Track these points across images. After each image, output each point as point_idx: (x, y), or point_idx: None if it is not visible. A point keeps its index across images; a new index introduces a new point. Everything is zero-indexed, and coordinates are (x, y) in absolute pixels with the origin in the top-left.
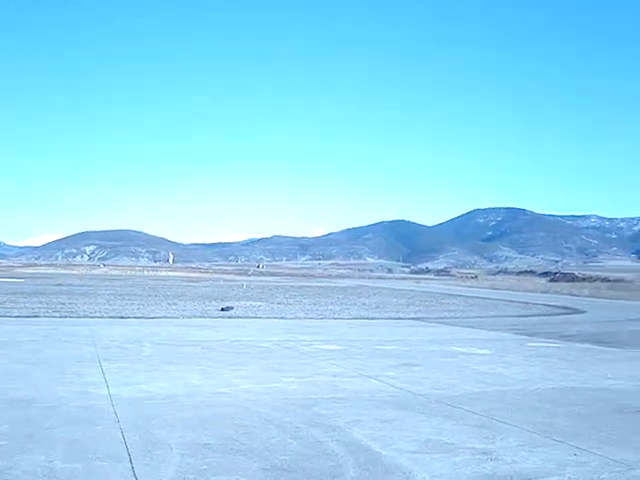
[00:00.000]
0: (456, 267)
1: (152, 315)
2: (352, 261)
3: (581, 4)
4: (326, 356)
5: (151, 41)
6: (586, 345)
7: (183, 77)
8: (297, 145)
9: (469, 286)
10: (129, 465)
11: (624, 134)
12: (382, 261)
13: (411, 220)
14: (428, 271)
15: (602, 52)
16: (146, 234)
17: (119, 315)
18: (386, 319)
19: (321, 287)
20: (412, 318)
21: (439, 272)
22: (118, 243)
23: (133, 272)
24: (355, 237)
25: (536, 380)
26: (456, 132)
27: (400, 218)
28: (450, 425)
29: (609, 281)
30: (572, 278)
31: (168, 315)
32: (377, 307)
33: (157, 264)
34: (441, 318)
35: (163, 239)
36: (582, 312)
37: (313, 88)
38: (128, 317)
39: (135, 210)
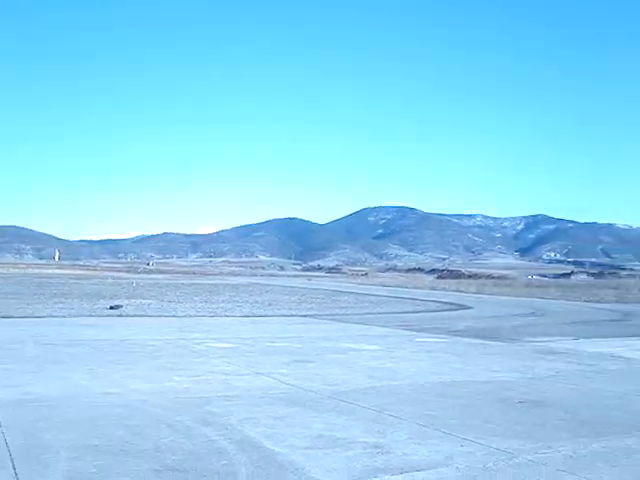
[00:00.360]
0: (347, 265)
1: (37, 314)
2: (244, 259)
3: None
4: (218, 354)
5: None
6: (472, 340)
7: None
8: (188, 142)
9: (360, 283)
10: (12, 472)
11: (508, 137)
12: (274, 259)
13: (303, 218)
14: (320, 269)
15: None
16: (31, 230)
17: (2, 315)
18: (278, 316)
19: (213, 285)
20: (304, 315)
21: (330, 270)
22: (1, 239)
23: (17, 270)
24: (247, 235)
25: (425, 374)
26: (348, 130)
27: (292, 216)
28: (342, 420)
29: (494, 278)
30: (459, 275)
31: (54, 314)
32: (269, 305)
33: (43, 261)
34: (333, 315)
35: (50, 236)
36: (469, 308)
37: (202, 88)
38: (11, 316)
39: (20, 205)
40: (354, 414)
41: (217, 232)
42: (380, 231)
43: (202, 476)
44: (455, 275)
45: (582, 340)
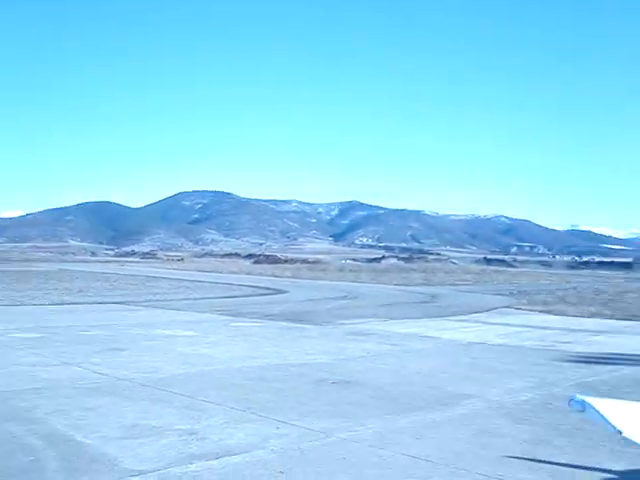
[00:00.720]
0: (162, 250)
1: None
2: (53, 244)
3: None
4: (24, 345)
5: None
6: (287, 323)
7: None
8: None
9: (175, 269)
10: None
11: (323, 124)
12: (86, 244)
13: (116, 202)
14: (134, 254)
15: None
16: None
17: None
18: (90, 304)
19: (19, 272)
20: (117, 302)
21: (145, 255)
22: None
23: None
24: (56, 219)
25: (240, 359)
26: (163, 112)
27: (104, 199)
28: (157, 408)
29: (309, 262)
30: (275, 260)
31: None
32: (80, 291)
33: None
34: (147, 301)
35: None
36: (284, 292)
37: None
38: None
39: None
40: (169, 401)
41: (23, 215)
42: (196, 216)
43: (7, 475)
44: (271, 260)
45: (392, 321)
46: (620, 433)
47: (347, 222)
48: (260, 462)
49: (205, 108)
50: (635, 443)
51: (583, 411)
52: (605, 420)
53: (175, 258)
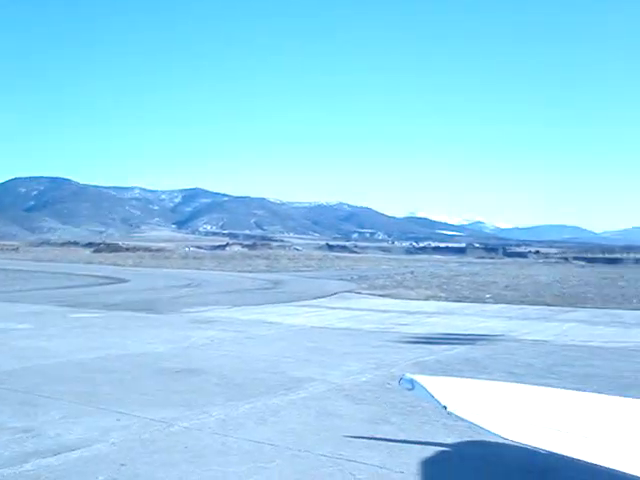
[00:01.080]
0: None
1: None
2: None
3: None
4: None
5: None
6: (129, 313)
7: None
8: None
9: (10, 259)
10: None
11: (166, 112)
12: None
13: None
14: None
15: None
16: None
17: None
18: None
19: None
20: None
21: None
22: None
23: None
24: None
25: (80, 351)
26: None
27: None
28: None
29: (152, 250)
30: (116, 248)
31: None
32: None
33: None
34: None
35: None
36: (126, 281)
37: None
38: None
39: None
40: (2, 398)
41: None
42: (32, 203)
43: None
44: (112, 248)
45: (235, 308)
46: (445, 408)
47: (190, 209)
48: (100, 456)
49: (41, 90)
50: (458, 417)
51: (412, 389)
52: (431, 397)
53: (9, 247)
